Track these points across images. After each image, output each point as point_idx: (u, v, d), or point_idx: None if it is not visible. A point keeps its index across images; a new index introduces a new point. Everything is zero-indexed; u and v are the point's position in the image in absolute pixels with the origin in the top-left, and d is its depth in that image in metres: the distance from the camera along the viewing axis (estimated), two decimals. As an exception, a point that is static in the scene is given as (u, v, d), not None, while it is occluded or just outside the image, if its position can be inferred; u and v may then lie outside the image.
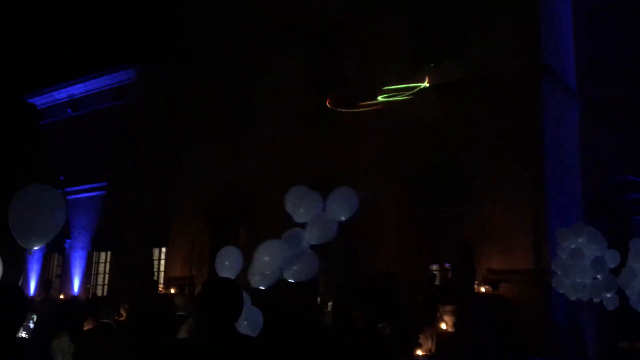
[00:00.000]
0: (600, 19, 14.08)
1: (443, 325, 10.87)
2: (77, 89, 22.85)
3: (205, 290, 3.08)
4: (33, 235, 4.93)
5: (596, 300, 8.90)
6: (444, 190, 12.75)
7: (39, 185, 5.30)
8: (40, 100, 24.38)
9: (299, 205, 6.19)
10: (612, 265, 8.89)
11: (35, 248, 5.14)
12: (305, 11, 15.38)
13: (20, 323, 3.29)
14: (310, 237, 6.04)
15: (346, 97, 14.13)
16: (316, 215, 6.14)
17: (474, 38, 13.09)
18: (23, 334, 8.20)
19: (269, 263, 5.71)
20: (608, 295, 8.86)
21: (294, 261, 5.79)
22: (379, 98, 13.48)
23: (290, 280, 5.71)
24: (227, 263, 5.82)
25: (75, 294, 20.53)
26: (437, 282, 12.60)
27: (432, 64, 13.46)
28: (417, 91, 13.09)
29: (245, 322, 4.84)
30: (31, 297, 20.36)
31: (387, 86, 13.46)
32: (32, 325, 8.77)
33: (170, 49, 19.42)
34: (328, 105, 14.06)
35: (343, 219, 6.15)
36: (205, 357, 2.80)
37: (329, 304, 14.38)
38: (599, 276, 8.78)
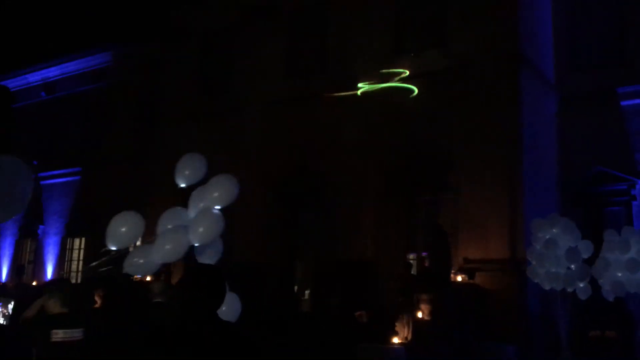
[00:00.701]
0: (579, 12, 14.20)
1: (419, 314, 10.97)
2: (52, 72, 22.41)
3: (189, 279, 2.98)
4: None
5: (569, 289, 9.04)
6: (422, 179, 12.80)
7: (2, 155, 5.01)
8: (13, 83, 23.84)
9: (197, 200, 5.61)
10: (585, 256, 9.03)
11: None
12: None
13: None
14: (193, 236, 5.42)
15: (327, 83, 14.09)
16: (202, 212, 5.55)
17: (454, 28, 13.12)
18: (1, 320, 8.03)
19: (125, 234, 5.41)
20: (581, 284, 9.01)
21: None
22: (359, 93, 13.49)
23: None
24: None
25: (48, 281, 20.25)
26: (413, 271, 12.68)
27: (413, 54, 13.47)
28: (397, 80, 13.11)
29: (224, 308, 4.77)
30: (3, 283, 20.05)
31: (368, 73, 13.47)
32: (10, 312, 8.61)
33: (148, 31, 19.08)
34: (325, 95, 13.94)
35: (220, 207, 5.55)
36: (189, 345, 2.74)
37: (306, 291, 14.41)
38: (572, 266, 8.91)
